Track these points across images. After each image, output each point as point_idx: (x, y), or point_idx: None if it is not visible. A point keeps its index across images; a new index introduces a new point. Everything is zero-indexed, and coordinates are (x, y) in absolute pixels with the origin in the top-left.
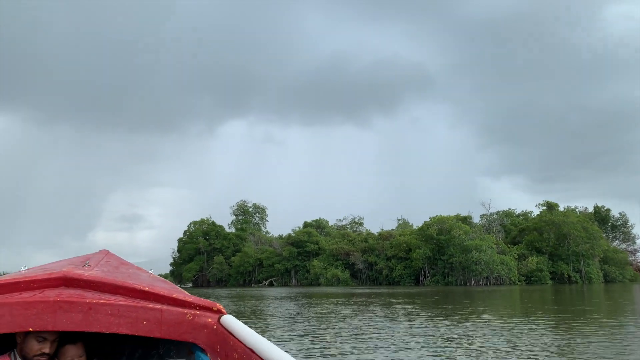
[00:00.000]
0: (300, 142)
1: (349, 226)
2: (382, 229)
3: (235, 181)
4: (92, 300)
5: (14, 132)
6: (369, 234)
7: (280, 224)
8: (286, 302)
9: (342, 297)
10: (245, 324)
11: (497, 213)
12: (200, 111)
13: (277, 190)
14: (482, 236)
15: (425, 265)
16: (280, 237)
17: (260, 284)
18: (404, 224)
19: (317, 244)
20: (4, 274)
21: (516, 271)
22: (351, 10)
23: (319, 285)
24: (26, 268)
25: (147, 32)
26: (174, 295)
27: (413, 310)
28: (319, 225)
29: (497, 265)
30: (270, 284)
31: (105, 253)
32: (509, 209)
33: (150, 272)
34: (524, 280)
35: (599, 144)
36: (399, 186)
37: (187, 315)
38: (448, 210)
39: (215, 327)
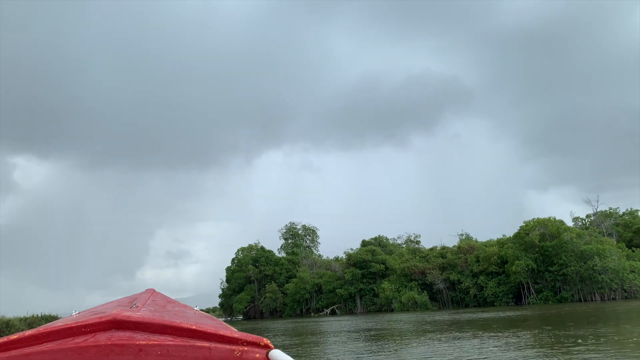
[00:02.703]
0: (339, 166)
1: (404, 245)
2: (442, 245)
3: (277, 210)
4: (142, 342)
5: (62, 179)
6: (445, 247)
7: (327, 249)
8: (356, 333)
9: (425, 324)
10: (293, 357)
11: (594, 214)
12: (236, 144)
13: (319, 216)
14: (599, 239)
15: (528, 280)
16: (337, 258)
17: (321, 313)
18: (467, 239)
19: (384, 264)
20: (58, 317)
21: None
22: (378, 31)
23: (391, 311)
24: (77, 312)
25: (182, 69)
26: (221, 332)
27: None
28: (379, 243)
29: (627, 274)
30: (333, 312)
31: (151, 292)
32: (610, 208)
33: (195, 308)
34: None
35: None
36: (443, 203)
37: (235, 352)
38: (498, 224)
39: None
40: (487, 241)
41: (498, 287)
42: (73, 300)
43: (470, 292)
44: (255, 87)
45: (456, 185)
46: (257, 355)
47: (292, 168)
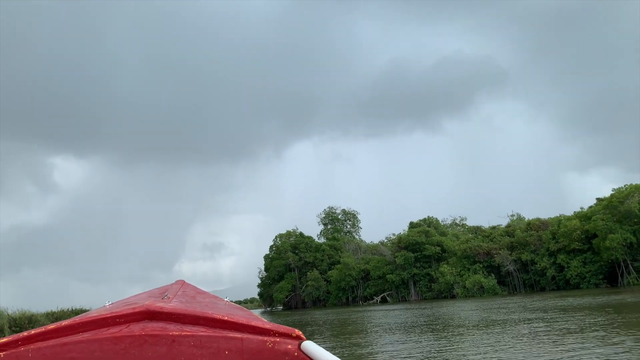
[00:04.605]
0: (369, 154)
1: (449, 229)
2: (507, 223)
3: (309, 200)
4: (175, 333)
5: (99, 176)
6: (511, 225)
7: (364, 235)
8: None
9: (511, 312)
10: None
11: None
12: (266, 137)
13: (352, 204)
14: None
15: (625, 257)
16: (382, 243)
17: (371, 301)
18: (518, 220)
19: (440, 245)
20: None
21: None
22: (405, 14)
23: (452, 297)
24: (110, 303)
25: (211, 65)
26: (253, 323)
27: None
28: (429, 225)
29: None
30: (384, 300)
31: (182, 283)
32: None
33: (226, 299)
34: None
35: None
36: (479, 186)
37: (268, 343)
38: (537, 206)
39: (296, 353)
40: (560, 215)
41: (584, 267)
42: (113, 293)
43: (548, 274)
44: (283, 79)
45: (491, 169)
46: (289, 346)
47: (322, 158)
